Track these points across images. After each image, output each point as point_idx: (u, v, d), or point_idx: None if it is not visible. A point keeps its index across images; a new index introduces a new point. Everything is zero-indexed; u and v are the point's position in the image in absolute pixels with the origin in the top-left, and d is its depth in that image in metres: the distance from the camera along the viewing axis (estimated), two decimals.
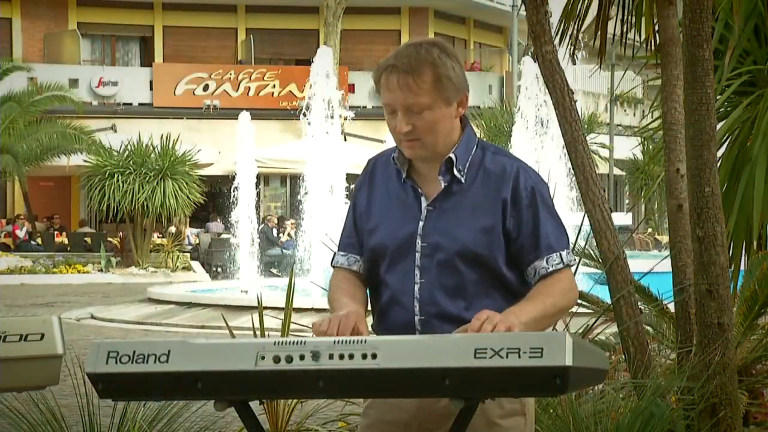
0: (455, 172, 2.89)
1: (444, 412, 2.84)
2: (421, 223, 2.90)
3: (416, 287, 2.88)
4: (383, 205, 2.97)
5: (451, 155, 2.89)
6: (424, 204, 2.91)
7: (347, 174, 21.21)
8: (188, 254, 28.68)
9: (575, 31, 5.80)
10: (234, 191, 22.59)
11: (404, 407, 2.91)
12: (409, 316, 2.89)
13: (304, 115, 21.71)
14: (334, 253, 3.07)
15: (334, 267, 3.06)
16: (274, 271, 25.09)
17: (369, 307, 3.03)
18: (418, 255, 2.89)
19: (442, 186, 2.90)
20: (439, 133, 2.86)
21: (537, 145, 25.07)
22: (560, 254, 2.87)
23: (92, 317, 16.24)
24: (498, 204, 2.86)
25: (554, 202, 2.99)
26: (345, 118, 22.70)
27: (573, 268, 2.95)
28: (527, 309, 2.78)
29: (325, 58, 22.39)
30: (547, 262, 2.87)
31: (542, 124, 25.23)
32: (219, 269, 24.73)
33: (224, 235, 27.95)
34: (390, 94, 2.83)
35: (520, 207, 2.86)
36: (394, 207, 2.95)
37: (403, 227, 2.91)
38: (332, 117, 20.81)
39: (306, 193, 21.20)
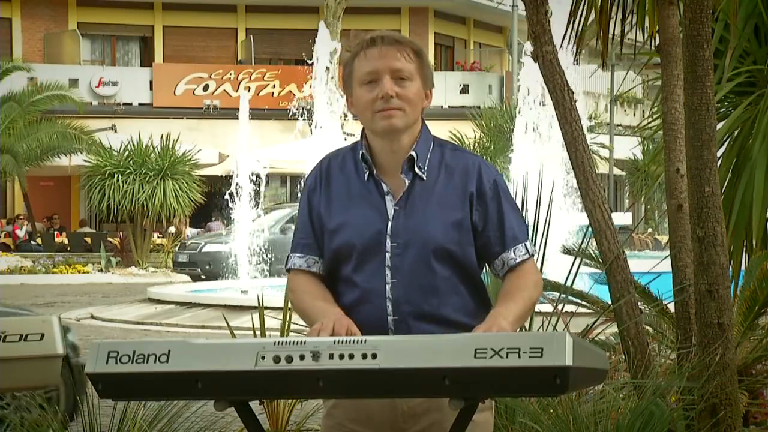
0: (416, 169, 2.91)
1: (414, 412, 2.86)
2: (390, 223, 2.89)
3: (388, 287, 2.87)
4: (344, 203, 2.94)
5: (412, 152, 2.91)
6: (390, 203, 2.91)
7: None
8: None
9: (580, 32, 5.80)
10: (236, 190, 22.59)
11: (372, 406, 2.89)
12: (381, 315, 2.87)
13: (302, 116, 21.74)
14: (288, 256, 3.02)
15: (290, 270, 3.01)
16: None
17: None
18: (388, 255, 2.88)
19: (406, 183, 2.91)
20: (414, 110, 2.91)
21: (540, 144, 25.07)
22: (525, 245, 2.94)
23: (92, 317, 16.24)
24: (465, 198, 2.90)
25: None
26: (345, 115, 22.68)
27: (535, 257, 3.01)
28: (512, 308, 2.81)
29: (324, 37, 22.29)
30: (514, 253, 2.92)
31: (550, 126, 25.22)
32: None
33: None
34: (374, 62, 2.88)
35: (485, 200, 2.91)
36: (357, 205, 2.93)
37: (370, 226, 2.90)
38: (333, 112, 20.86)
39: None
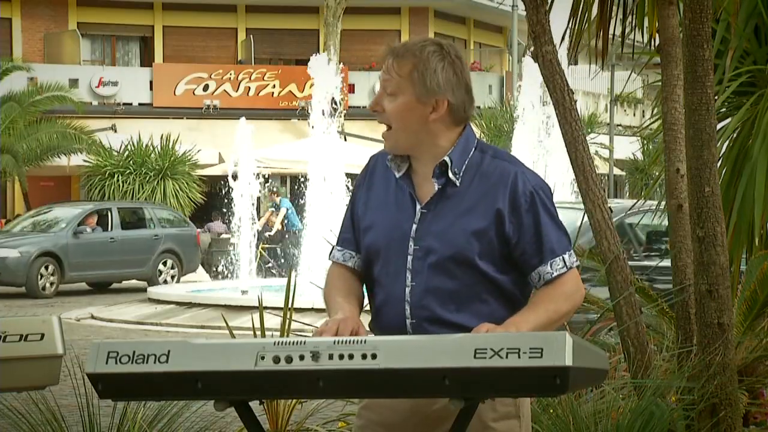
0: (450, 175, 2.88)
1: (438, 415, 2.84)
2: (414, 226, 2.89)
3: (407, 290, 2.87)
4: (380, 204, 2.96)
5: (446, 158, 2.88)
6: (418, 206, 2.90)
7: (347, 174, 21.18)
8: None
9: (581, 32, 5.80)
10: (235, 191, 22.59)
11: (398, 409, 2.89)
12: (400, 319, 2.88)
13: (304, 117, 21.69)
14: (332, 247, 3.06)
15: (330, 261, 3.06)
16: (274, 271, 25.08)
17: (367, 304, 3.03)
18: (410, 258, 2.88)
19: (436, 188, 2.89)
20: (405, 126, 2.86)
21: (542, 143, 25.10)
22: (563, 258, 2.87)
23: (92, 317, 16.24)
24: (492, 209, 2.84)
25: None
26: (339, 112, 22.65)
27: (577, 269, 2.94)
28: (529, 318, 2.77)
29: (321, 63, 22.39)
30: (551, 267, 2.85)
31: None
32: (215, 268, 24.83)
33: (224, 236, 27.94)
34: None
35: (520, 212, 2.84)
36: (390, 207, 2.94)
37: (396, 228, 2.90)
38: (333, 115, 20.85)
39: (304, 194, 21.23)
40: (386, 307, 2.91)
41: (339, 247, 3.04)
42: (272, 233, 24.62)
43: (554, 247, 2.86)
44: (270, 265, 23.79)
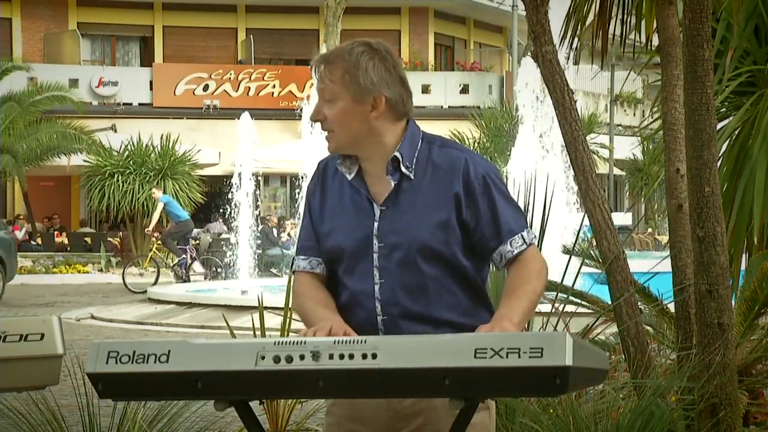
0: (403, 169, 2.90)
1: (409, 411, 2.87)
2: (375, 224, 2.90)
3: (376, 288, 2.89)
4: (336, 207, 2.97)
5: (396, 154, 2.90)
6: (375, 205, 2.92)
7: None
8: None
9: (579, 32, 5.80)
10: (235, 191, 22.61)
11: (369, 405, 2.90)
12: (370, 316, 2.89)
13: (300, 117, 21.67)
14: (293, 258, 3.06)
15: (294, 272, 3.05)
16: (274, 271, 25.10)
17: None
18: (375, 256, 2.89)
19: (392, 185, 2.91)
20: (347, 128, 2.88)
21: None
22: (521, 235, 2.91)
23: (92, 317, 16.23)
24: (450, 197, 2.88)
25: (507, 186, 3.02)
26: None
27: (536, 243, 2.98)
28: (516, 307, 2.80)
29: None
30: (510, 245, 2.89)
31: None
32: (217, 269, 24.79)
33: (224, 236, 27.95)
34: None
35: (475, 197, 2.88)
36: (347, 209, 2.95)
37: (358, 229, 2.92)
38: None
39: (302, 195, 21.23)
40: (355, 307, 2.92)
41: (303, 257, 3.02)
42: (150, 229, 24.41)
43: (512, 226, 2.90)
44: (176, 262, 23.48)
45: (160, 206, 23.89)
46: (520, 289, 2.85)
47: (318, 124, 2.94)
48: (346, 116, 2.88)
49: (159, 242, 23.68)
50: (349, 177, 2.95)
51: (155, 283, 21.66)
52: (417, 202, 2.89)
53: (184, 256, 23.23)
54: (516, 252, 2.89)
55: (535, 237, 2.96)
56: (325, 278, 3.00)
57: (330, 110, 2.89)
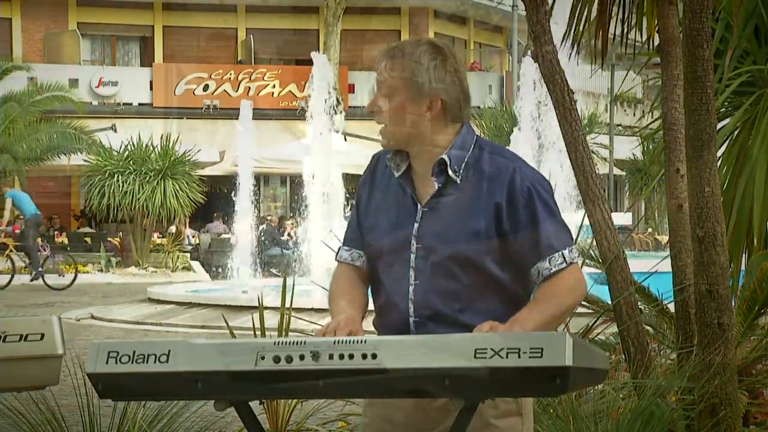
0: (450, 173, 2.88)
1: (439, 412, 2.85)
2: (416, 224, 2.89)
3: (411, 289, 2.88)
4: (381, 203, 2.97)
5: (444, 156, 2.88)
6: (419, 205, 2.91)
7: (347, 174, 21.20)
8: (188, 254, 28.66)
9: (581, 32, 5.80)
10: (234, 190, 22.61)
11: (400, 406, 2.91)
12: (403, 317, 2.88)
13: (303, 117, 21.67)
14: (339, 248, 3.07)
15: (337, 261, 3.06)
16: (274, 271, 25.10)
17: (371, 305, 3.03)
18: (412, 256, 2.87)
19: (436, 187, 2.89)
20: (399, 125, 2.87)
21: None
22: (562, 253, 2.84)
23: (92, 317, 16.23)
24: (491, 206, 2.84)
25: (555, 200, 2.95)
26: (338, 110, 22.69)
27: (579, 264, 2.91)
28: (532, 315, 2.76)
29: (322, 64, 22.39)
30: (549, 263, 2.83)
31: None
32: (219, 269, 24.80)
33: (224, 236, 27.96)
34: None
35: (517, 208, 2.83)
36: (391, 206, 2.94)
37: (398, 228, 2.91)
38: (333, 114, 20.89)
39: (305, 195, 21.25)
40: (389, 306, 2.92)
41: (346, 247, 3.04)
42: (2, 227, 24.34)
43: (552, 242, 2.83)
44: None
45: (9, 202, 23.72)
46: (546, 301, 2.81)
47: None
48: (400, 112, 2.86)
49: (16, 242, 23.61)
50: (397, 174, 2.93)
51: (7, 285, 21.23)
52: (458, 207, 2.86)
53: (40, 251, 23.14)
54: (554, 270, 2.83)
55: (578, 256, 2.90)
56: (365, 273, 3.00)
57: (386, 104, 2.87)
